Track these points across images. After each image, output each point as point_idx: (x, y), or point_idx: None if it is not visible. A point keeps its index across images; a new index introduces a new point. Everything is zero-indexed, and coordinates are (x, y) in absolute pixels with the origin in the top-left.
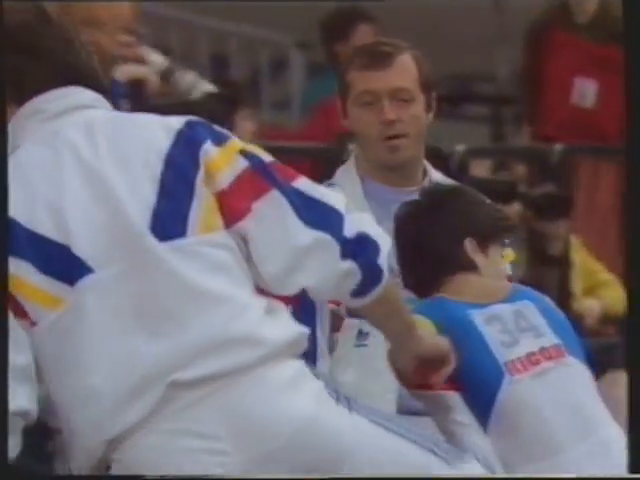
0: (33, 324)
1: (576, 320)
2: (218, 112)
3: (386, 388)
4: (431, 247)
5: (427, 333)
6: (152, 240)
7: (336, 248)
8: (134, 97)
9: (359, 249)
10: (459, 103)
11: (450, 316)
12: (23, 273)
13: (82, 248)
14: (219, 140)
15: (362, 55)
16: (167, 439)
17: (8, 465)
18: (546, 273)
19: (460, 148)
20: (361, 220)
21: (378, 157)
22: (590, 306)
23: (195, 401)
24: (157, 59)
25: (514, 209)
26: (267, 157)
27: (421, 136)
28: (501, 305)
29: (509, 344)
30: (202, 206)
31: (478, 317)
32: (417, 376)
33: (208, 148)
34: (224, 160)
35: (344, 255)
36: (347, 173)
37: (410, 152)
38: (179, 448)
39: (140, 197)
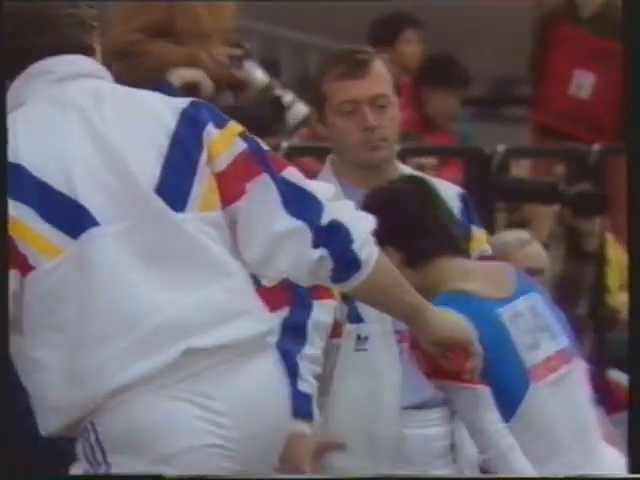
0: (31, 268)
1: (612, 315)
2: (270, 116)
3: (388, 389)
4: (442, 223)
5: (447, 320)
6: (162, 203)
7: (309, 236)
8: None
9: (330, 237)
10: (500, 105)
11: (481, 316)
12: (26, 219)
13: (88, 202)
14: (220, 122)
15: (338, 65)
16: (168, 403)
17: (8, 465)
18: (582, 269)
19: (501, 149)
20: (339, 208)
21: (358, 157)
22: (625, 301)
23: (202, 371)
24: (259, 75)
25: (553, 208)
26: (263, 144)
27: (397, 137)
28: (519, 300)
29: (532, 347)
30: (203, 185)
31: (505, 317)
32: (443, 367)
33: (210, 130)
34: (224, 143)
35: (316, 243)
36: (326, 180)
37: (388, 152)
38: (178, 412)
39: (146, 168)
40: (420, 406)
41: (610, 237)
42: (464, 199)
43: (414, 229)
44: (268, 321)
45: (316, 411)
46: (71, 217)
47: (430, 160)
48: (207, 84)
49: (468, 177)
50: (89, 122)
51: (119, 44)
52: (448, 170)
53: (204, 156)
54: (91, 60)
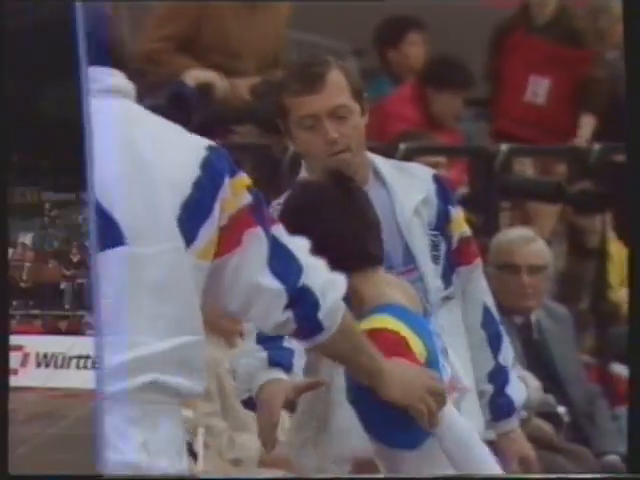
0: None
1: (613, 310)
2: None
3: None
4: (362, 235)
5: (405, 378)
6: (182, 240)
7: (283, 300)
8: (201, 101)
9: (298, 302)
10: None
11: (425, 329)
12: None
13: (120, 219)
14: (233, 172)
15: (294, 81)
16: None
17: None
18: (584, 265)
19: (504, 147)
20: (315, 270)
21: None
22: (626, 296)
23: (159, 403)
24: None
25: (556, 207)
26: (261, 195)
27: (363, 141)
28: (430, 319)
29: (443, 367)
30: (207, 235)
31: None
32: None
33: (226, 184)
34: (234, 195)
35: (286, 306)
36: None
37: (356, 160)
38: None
39: (171, 200)
40: None
41: (611, 234)
42: (438, 180)
43: (335, 239)
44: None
45: (297, 366)
46: (104, 229)
47: (442, 159)
48: (221, 85)
49: (472, 176)
50: (128, 140)
51: (145, 50)
52: (453, 169)
53: (217, 207)
54: (124, 77)
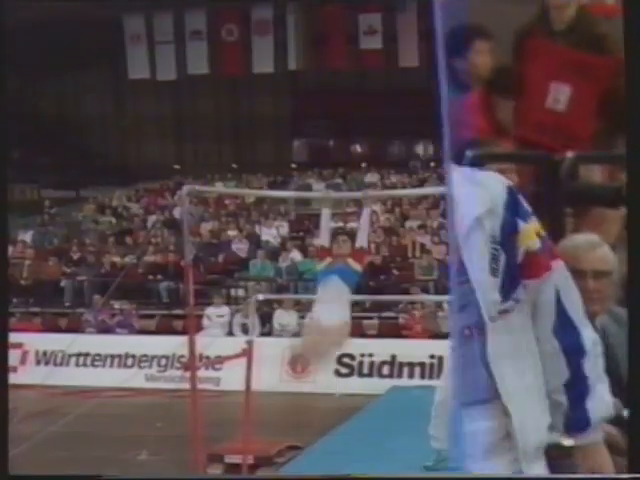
0: None
1: None
2: None
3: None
4: None
5: None
6: None
7: None
8: None
9: None
10: None
11: None
12: None
13: None
14: None
15: None
16: None
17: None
18: None
19: (570, 155)
20: None
21: None
22: None
23: None
24: None
25: (621, 212)
26: None
27: None
28: None
29: None
30: None
31: None
32: None
33: None
34: None
35: None
36: None
37: None
38: None
39: None
40: (469, 404)
41: None
42: (511, 192)
43: None
44: None
45: None
46: None
47: (510, 166)
48: None
49: (538, 183)
50: None
51: None
52: (521, 176)
53: None
54: None
